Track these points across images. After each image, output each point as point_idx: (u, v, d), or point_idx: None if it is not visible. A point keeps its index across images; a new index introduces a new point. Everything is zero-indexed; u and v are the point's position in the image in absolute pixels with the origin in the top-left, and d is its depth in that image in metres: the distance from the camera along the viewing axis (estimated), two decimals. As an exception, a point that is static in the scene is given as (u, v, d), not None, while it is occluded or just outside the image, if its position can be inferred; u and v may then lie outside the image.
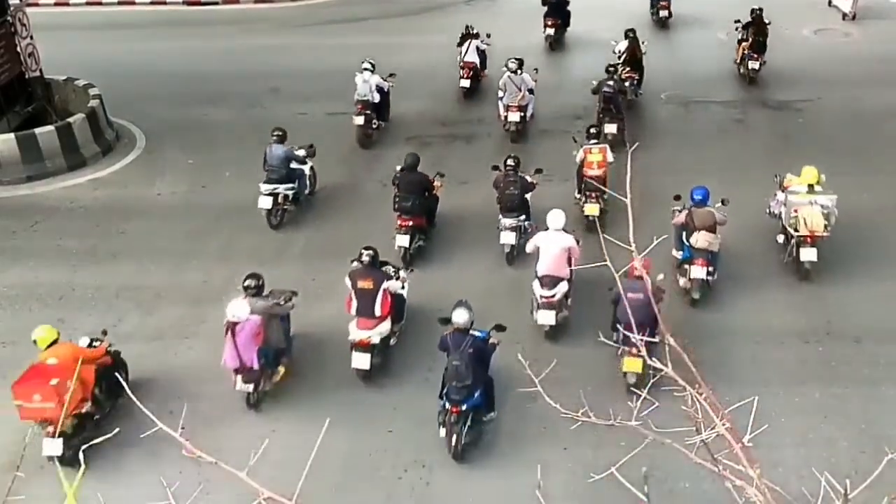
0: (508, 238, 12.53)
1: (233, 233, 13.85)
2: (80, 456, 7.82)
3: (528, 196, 12.77)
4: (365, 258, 10.63)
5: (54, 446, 9.23)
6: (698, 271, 11.52)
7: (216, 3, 26.26)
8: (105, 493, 8.71)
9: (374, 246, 10.81)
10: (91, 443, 8.53)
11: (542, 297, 10.91)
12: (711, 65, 20.08)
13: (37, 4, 25.24)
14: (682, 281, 11.91)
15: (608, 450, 8.87)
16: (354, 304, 10.50)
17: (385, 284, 10.47)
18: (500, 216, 12.66)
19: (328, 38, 22.86)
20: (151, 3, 26.63)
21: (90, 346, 10.11)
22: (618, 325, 9.62)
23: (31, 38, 17.17)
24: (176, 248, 13.43)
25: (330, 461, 9.22)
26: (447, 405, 9.24)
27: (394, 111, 17.75)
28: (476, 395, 9.26)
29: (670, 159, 15.46)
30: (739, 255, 12.71)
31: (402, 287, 11.05)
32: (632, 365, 9.73)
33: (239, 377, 9.94)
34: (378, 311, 10.35)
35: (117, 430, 8.90)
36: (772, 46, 20.87)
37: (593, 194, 13.25)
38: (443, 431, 9.36)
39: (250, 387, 10.05)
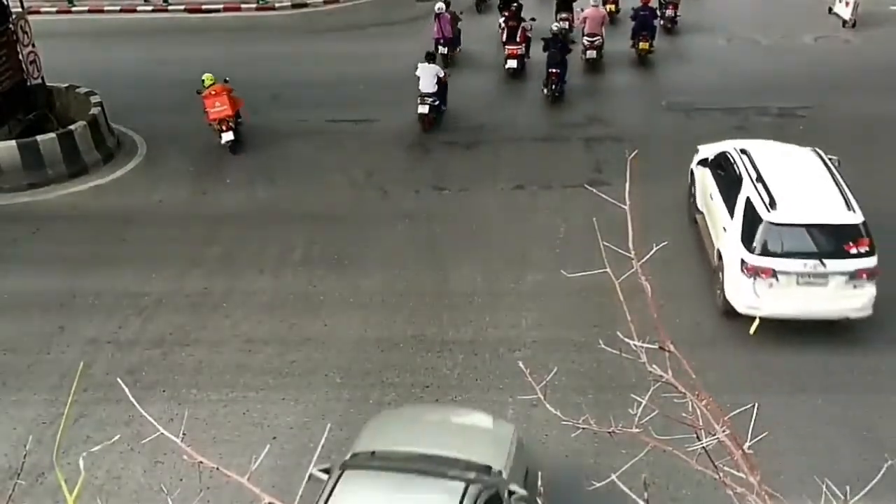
0: (563, 24, 20.45)
1: (233, 239, 13.86)
2: (80, 463, 7.89)
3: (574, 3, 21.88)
4: (514, 7, 20.08)
5: (229, 136, 16.36)
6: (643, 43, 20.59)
7: (217, 11, 26.35)
8: (106, 501, 8.74)
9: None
10: (93, 449, 8.55)
11: (588, 42, 20.04)
12: (713, 72, 20.13)
13: (38, 12, 25.31)
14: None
15: (609, 457, 8.88)
16: (505, 35, 20.03)
17: (523, 24, 19.86)
18: (556, 14, 21.66)
19: (328, 45, 22.92)
20: (153, 11, 26.72)
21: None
22: (635, 32, 20.32)
23: (33, 45, 17.23)
24: (177, 255, 13.44)
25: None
26: (549, 70, 18.27)
27: (394, 118, 17.81)
28: (562, 69, 18.25)
29: (671, 167, 15.46)
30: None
31: (530, 29, 20.15)
32: (643, 46, 20.17)
33: (440, 45, 20.11)
34: (517, 40, 19.72)
35: (118, 436, 8.96)
36: (773, 54, 20.95)
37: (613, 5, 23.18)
38: (545, 90, 18.55)
39: (446, 49, 20.35)
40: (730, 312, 11.17)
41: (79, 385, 10.51)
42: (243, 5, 26.52)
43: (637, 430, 3.28)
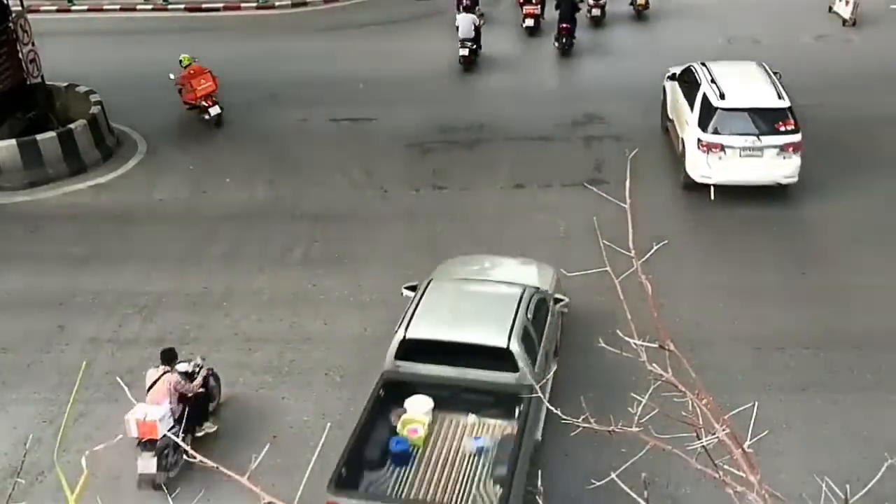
0: None
1: (233, 238, 13.86)
2: (83, 462, 7.89)
3: None
4: None
5: (216, 109, 17.38)
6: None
7: (217, 10, 26.33)
8: (107, 500, 8.72)
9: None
10: (94, 448, 8.55)
11: (594, 1, 22.40)
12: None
13: (38, 11, 25.27)
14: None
15: (609, 456, 8.87)
16: None
17: None
18: None
19: (328, 43, 22.90)
20: (153, 10, 26.71)
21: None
22: None
23: (33, 44, 17.21)
24: (176, 254, 13.45)
25: (330, 467, 9.19)
26: (561, 25, 20.56)
27: (394, 116, 17.80)
28: (572, 24, 20.62)
29: (670, 166, 15.48)
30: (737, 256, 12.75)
31: None
32: (640, 1, 23.03)
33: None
34: (534, 1, 21.75)
35: (119, 436, 8.95)
36: (773, 53, 20.92)
37: None
38: (556, 44, 20.80)
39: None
40: (689, 186, 14.34)
41: (80, 384, 10.50)
42: (243, 4, 26.50)
43: (637, 428, 3.28)
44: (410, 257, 13.12)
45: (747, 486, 3.13)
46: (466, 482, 8.28)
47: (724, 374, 10.28)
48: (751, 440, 3.21)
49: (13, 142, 15.72)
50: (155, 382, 9.12)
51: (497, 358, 8.92)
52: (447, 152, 16.64)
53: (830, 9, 23.20)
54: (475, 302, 10.00)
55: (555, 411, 3.76)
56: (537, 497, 6.96)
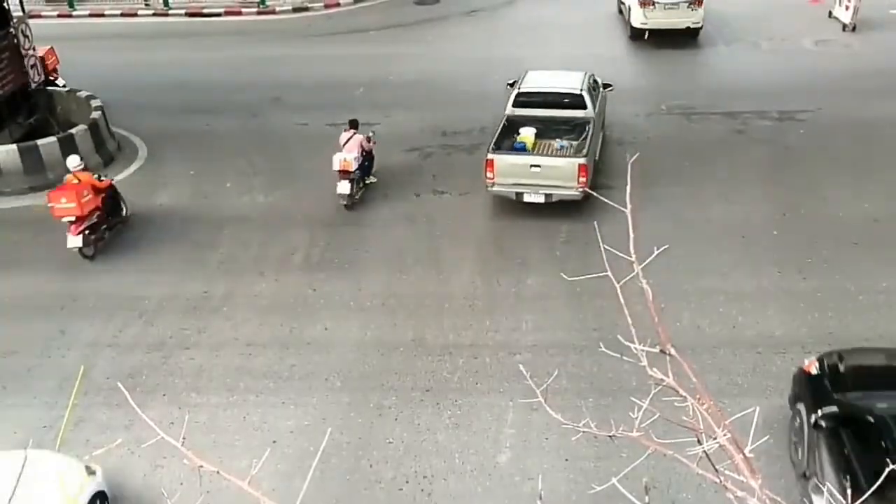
0: None
1: (234, 243, 13.87)
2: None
3: None
4: None
5: (62, 80, 18.64)
6: None
7: (218, 15, 26.39)
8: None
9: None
10: (94, 453, 8.55)
11: None
12: (713, 75, 20.15)
13: (39, 16, 25.36)
14: None
15: (609, 460, 8.88)
16: None
17: None
18: None
19: (330, 48, 22.95)
20: (153, 15, 26.77)
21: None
22: None
23: (34, 49, 17.24)
24: (177, 258, 13.45)
25: (331, 472, 9.21)
26: None
27: (393, 121, 17.81)
28: None
29: (671, 170, 15.49)
30: (732, 261, 12.74)
31: None
32: None
33: None
34: None
35: (119, 440, 8.96)
36: (773, 57, 20.97)
37: None
38: None
39: None
40: (632, 35, 21.85)
41: (79, 388, 10.51)
42: (244, 9, 26.57)
43: (638, 433, 3.28)
44: (410, 262, 13.13)
45: (748, 492, 3.13)
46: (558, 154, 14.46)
47: (725, 378, 10.27)
48: (752, 445, 3.21)
49: (14, 146, 15.72)
50: (347, 141, 14.34)
51: (573, 102, 14.91)
52: (447, 156, 16.65)
53: (830, 13, 23.24)
54: (559, 74, 15.92)
55: (556, 416, 3.76)
56: (538, 502, 6.95)
